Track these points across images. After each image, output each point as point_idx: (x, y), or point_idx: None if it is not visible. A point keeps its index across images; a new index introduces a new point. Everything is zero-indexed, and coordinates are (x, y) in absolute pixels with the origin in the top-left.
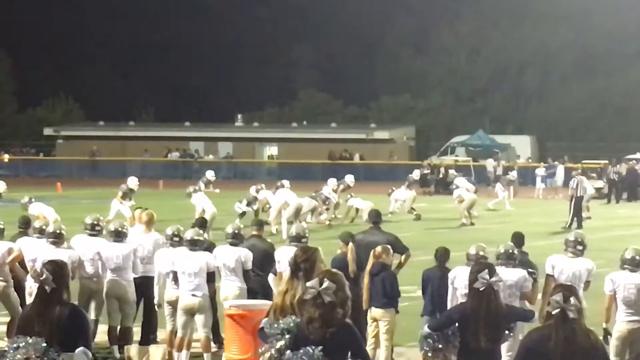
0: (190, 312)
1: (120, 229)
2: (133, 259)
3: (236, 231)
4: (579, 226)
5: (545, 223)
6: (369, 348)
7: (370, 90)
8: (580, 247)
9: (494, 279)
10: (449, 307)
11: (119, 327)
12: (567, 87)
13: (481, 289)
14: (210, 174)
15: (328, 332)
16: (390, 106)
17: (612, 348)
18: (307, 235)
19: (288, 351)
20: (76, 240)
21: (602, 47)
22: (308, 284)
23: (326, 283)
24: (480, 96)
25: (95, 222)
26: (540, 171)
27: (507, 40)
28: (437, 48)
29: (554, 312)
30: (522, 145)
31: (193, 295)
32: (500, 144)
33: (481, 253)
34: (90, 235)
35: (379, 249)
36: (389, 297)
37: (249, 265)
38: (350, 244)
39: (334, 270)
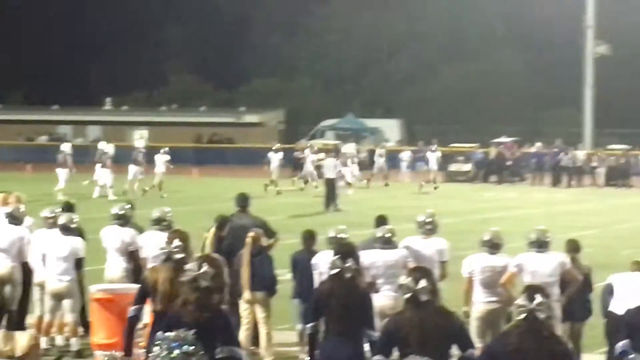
0: (58, 297)
1: (14, 213)
2: (19, 245)
3: (122, 212)
4: (335, 207)
5: (409, 206)
6: (243, 331)
7: (240, 73)
8: (429, 227)
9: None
10: None
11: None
12: (436, 71)
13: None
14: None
15: (201, 317)
16: (260, 90)
17: (473, 329)
18: (168, 218)
19: (159, 332)
20: None
21: (471, 31)
22: (187, 266)
23: (204, 268)
24: (349, 79)
25: None
26: (405, 155)
27: (377, 24)
28: (307, 31)
29: (405, 297)
30: (391, 129)
31: (60, 280)
32: (369, 127)
33: (340, 235)
34: None
35: (257, 231)
36: (267, 280)
37: (135, 246)
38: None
39: (214, 255)
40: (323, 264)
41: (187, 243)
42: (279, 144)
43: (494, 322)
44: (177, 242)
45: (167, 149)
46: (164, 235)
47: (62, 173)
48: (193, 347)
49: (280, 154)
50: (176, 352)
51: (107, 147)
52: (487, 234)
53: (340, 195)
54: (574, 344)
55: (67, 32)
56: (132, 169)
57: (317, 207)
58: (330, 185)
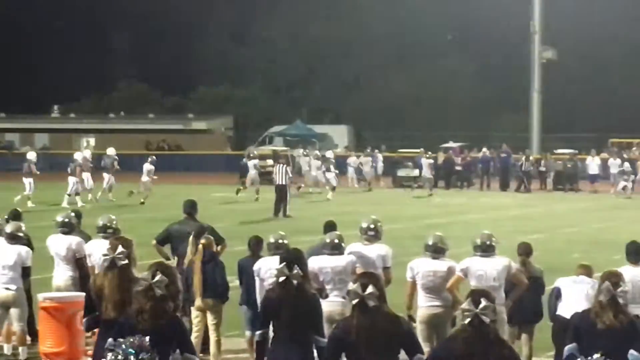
0: (5, 306)
1: None
2: None
3: (66, 220)
4: (284, 214)
5: (358, 212)
6: (193, 338)
7: (188, 80)
8: (372, 233)
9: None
10: (258, 300)
11: None
12: (385, 77)
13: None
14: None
15: (157, 325)
16: (208, 96)
17: (418, 333)
18: (114, 225)
19: (110, 339)
20: None
21: (418, 36)
22: (141, 275)
23: (158, 276)
24: (298, 86)
25: None
26: (352, 160)
27: (326, 30)
28: (255, 38)
29: (353, 302)
30: (340, 135)
31: (7, 288)
32: (318, 133)
33: (280, 241)
34: None
35: (209, 238)
36: (219, 287)
37: (82, 254)
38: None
39: (167, 263)
40: (264, 270)
41: (131, 250)
42: (254, 150)
43: (438, 326)
44: (120, 249)
45: (154, 158)
46: None
47: (27, 182)
48: (149, 354)
49: (256, 161)
50: (132, 358)
51: (77, 155)
52: (430, 238)
53: (290, 201)
54: (526, 346)
55: (12, 39)
56: (106, 177)
57: (266, 214)
58: (281, 191)
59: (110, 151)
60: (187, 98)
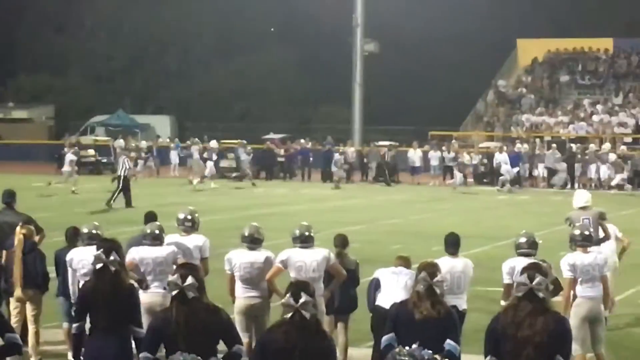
0: None
1: None
2: None
3: None
4: (128, 204)
5: (178, 203)
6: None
7: (8, 68)
8: (189, 224)
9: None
10: (71, 291)
11: None
12: (208, 67)
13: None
14: None
15: None
16: (28, 85)
17: (237, 324)
18: None
19: None
20: None
21: (242, 27)
22: None
23: None
24: (120, 76)
25: None
26: (175, 151)
27: (147, 20)
28: (77, 26)
29: (172, 293)
30: (162, 125)
31: None
32: (140, 123)
33: (93, 231)
34: None
35: (29, 227)
36: (39, 277)
37: None
38: None
39: None
40: (77, 260)
41: None
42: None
43: (257, 317)
44: None
45: (76, 148)
46: None
47: None
48: None
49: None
50: None
51: None
52: (246, 229)
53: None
54: (342, 335)
55: None
56: None
57: (91, 205)
58: (120, 182)
59: None
60: (6, 87)
